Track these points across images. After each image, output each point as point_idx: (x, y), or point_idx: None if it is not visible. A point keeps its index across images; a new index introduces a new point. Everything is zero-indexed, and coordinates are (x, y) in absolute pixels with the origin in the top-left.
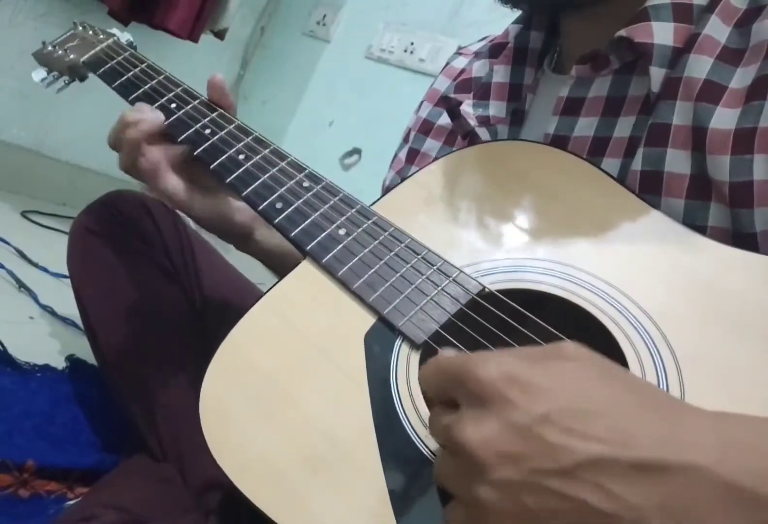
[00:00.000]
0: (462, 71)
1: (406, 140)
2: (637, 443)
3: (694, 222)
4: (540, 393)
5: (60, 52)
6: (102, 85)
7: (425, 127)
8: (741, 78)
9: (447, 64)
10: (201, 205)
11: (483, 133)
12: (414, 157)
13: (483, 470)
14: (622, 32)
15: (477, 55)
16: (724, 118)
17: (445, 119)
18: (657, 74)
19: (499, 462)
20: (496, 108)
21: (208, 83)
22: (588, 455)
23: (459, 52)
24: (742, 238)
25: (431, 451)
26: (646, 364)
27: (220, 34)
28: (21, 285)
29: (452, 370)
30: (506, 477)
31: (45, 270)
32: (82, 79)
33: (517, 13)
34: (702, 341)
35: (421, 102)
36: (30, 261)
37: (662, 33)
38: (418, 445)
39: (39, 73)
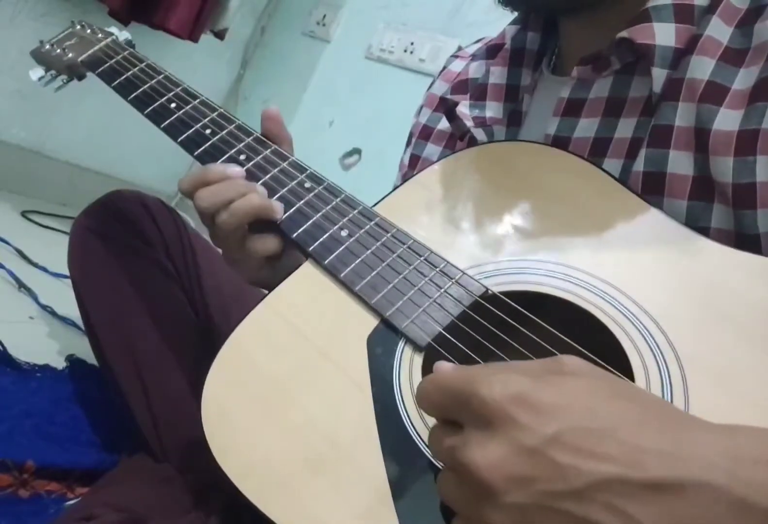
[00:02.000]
0: (459, 74)
1: (408, 144)
2: (649, 462)
3: (697, 223)
4: (547, 413)
5: (58, 50)
6: (102, 86)
7: (425, 133)
8: (744, 79)
9: (444, 67)
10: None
11: (479, 134)
12: (415, 162)
13: (492, 494)
14: (624, 33)
15: (473, 57)
16: (727, 120)
17: (444, 124)
18: (659, 75)
19: (509, 485)
20: (493, 109)
21: (264, 116)
22: (600, 475)
23: (455, 55)
24: (744, 239)
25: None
26: (649, 365)
27: (220, 34)
28: (21, 285)
29: (454, 389)
30: (517, 501)
31: (45, 270)
32: (81, 78)
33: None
34: (704, 342)
35: (421, 107)
36: (30, 261)
37: (664, 34)
38: (421, 448)
39: (36, 72)
